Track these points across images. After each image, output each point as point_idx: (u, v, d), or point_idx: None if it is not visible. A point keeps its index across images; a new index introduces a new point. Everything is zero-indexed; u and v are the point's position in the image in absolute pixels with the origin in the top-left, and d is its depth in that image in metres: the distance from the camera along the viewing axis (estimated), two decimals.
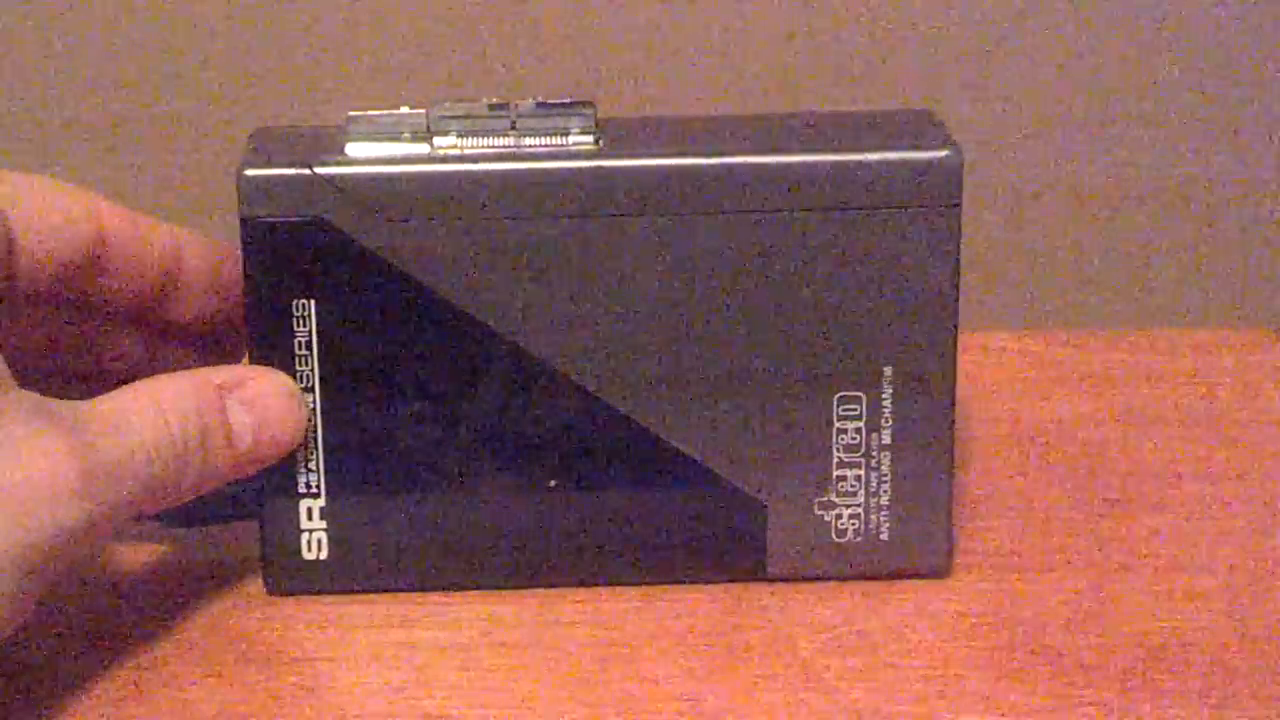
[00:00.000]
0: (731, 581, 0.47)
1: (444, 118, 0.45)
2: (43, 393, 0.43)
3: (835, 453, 0.47)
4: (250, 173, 0.45)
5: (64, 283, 0.46)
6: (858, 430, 0.46)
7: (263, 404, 0.45)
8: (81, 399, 0.43)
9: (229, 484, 0.46)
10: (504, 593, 0.47)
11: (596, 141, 0.45)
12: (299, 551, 0.47)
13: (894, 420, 0.46)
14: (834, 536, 0.47)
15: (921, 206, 0.45)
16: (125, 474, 0.42)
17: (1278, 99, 0.68)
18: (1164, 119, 0.68)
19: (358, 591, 0.47)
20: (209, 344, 0.48)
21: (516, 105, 0.45)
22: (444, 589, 0.47)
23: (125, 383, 0.44)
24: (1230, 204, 0.69)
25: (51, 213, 0.45)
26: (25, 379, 0.46)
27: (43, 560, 0.41)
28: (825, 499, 0.47)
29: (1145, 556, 0.49)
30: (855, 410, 0.46)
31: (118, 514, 0.42)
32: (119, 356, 0.48)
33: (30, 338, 0.47)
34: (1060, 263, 0.69)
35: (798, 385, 0.46)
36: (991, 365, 0.58)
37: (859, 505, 0.47)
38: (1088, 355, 0.59)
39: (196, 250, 0.47)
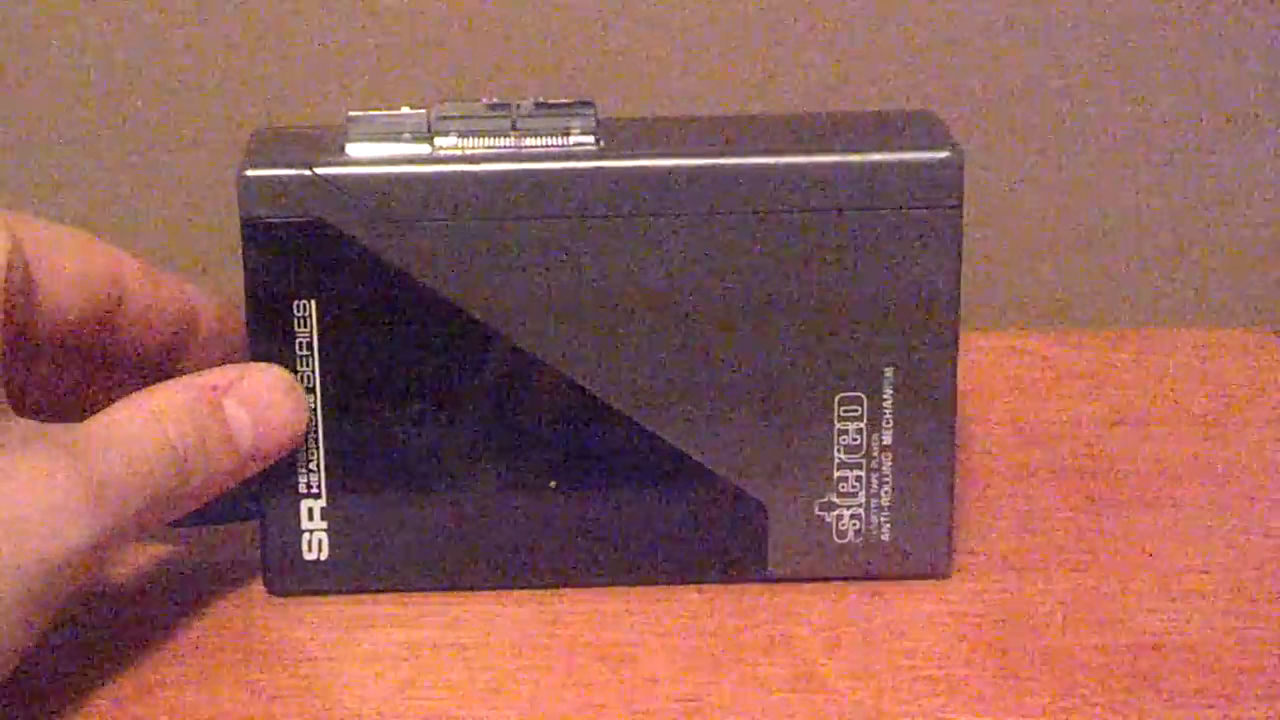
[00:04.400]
0: (732, 582, 0.47)
1: (444, 118, 0.45)
2: None
3: (836, 454, 0.47)
4: (251, 173, 0.45)
5: (81, 334, 0.46)
6: (859, 431, 0.46)
7: (260, 400, 0.45)
8: None
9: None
10: (504, 593, 0.47)
11: (597, 142, 0.45)
12: (299, 552, 0.47)
13: (895, 421, 0.46)
14: (834, 537, 0.47)
15: (923, 207, 0.45)
16: (129, 489, 0.42)
17: (1278, 99, 0.68)
18: (1164, 119, 0.68)
19: (358, 592, 0.47)
20: None
21: (517, 105, 0.45)
22: (444, 589, 0.47)
23: None
24: (1230, 204, 0.69)
25: (74, 264, 0.45)
26: None
27: (52, 583, 0.41)
28: (826, 500, 0.47)
29: (1145, 556, 0.49)
30: (856, 411, 0.46)
31: (125, 530, 0.42)
32: None
33: (45, 386, 0.47)
34: (1060, 263, 0.69)
35: (798, 386, 0.46)
36: (992, 365, 0.58)
37: (860, 506, 0.47)
38: (1088, 355, 0.59)
39: (208, 306, 0.47)
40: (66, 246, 0.45)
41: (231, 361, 0.48)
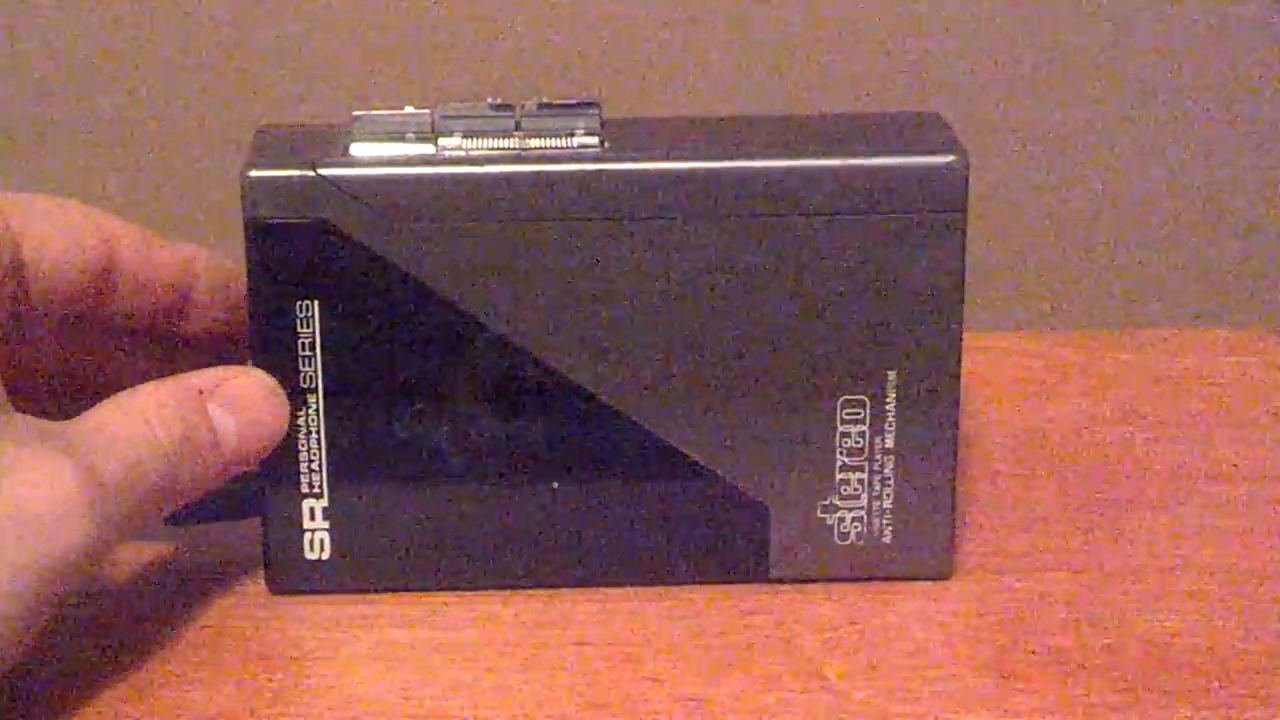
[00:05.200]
0: (733, 583, 0.47)
1: (448, 118, 0.45)
2: (54, 410, 0.43)
3: (838, 456, 0.47)
4: (254, 174, 0.45)
5: (76, 303, 0.46)
6: (861, 434, 0.46)
7: (243, 403, 0.45)
8: None
9: (229, 483, 0.46)
10: (504, 593, 0.47)
11: (601, 143, 0.45)
12: (301, 551, 0.47)
13: (897, 424, 0.46)
14: (836, 539, 0.47)
15: (927, 211, 0.45)
16: (125, 488, 0.42)
17: (1277, 99, 0.69)
18: (1164, 119, 0.68)
19: (359, 591, 0.47)
20: (218, 358, 0.48)
21: (521, 106, 0.45)
22: (444, 589, 0.47)
23: None
24: (1230, 204, 0.69)
25: (63, 235, 0.45)
26: (37, 397, 0.46)
27: (53, 582, 0.41)
28: (828, 502, 0.47)
29: (1146, 556, 0.49)
30: (859, 414, 0.46)
31: (121, 529, 0.42)
32: (130, 372, 0.48)
33: (43, 357, 0.47)
34: (1060, 263, 0.69)
35: (801, 388, 0.46)
36: (993, 366, 0.58)
37: (862, 508, 0.47)
38: (1088, 355, 0.59)
39: (206, 266, 0.47)
40: (54, 218, 0.45)
41: (232, 323, 0.48)
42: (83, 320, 0.47)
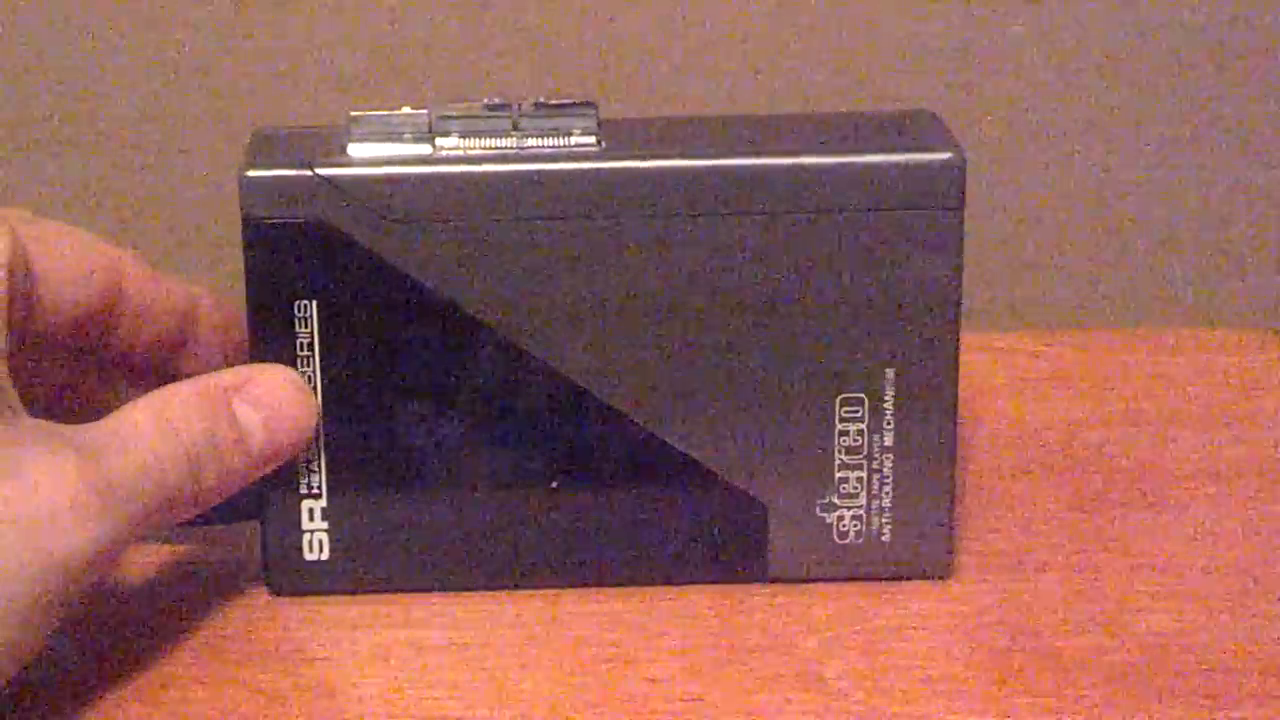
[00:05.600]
0: (732, 583, 0.47)
1: (445, 118, 0.45)
2: None
3: (837, 454, 0.47)
4: (252, 173, 0.45)
5: (80, 331, 0.46)
6: (859, 432, 0.46)
7: (270, 400, 0.45)
8: None
9: None
10: (504, 593, 0.47)
11: (598, 142, 0.45)
12: (300, 552, 0.47)
13: (896, 422, 0.46)
14: (835, 538, 0.47)
15: (924, 208, 0.45)
16: (139, 490, 0.42)
17: (1277, 99, 0.68)
18: (1163, 119, 0.68)
19: (359, 592, 0.47)
20: None
21: (518, 106, 0.45)
22: (444, 589, 0.47)
23: None
24: (1230, 204, 0.69)
25: (74, 262, 0.45)
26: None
27: (62, 583, 0.41)
28: (827, 501, 0.47)
29: (1145, 556, 0.49)
30: (857, 412, 0.46)
31: (135, 530, 0.42)
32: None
33: (43, 382, 0.47)
34: (1060, 263, 0.69)
35: (799, 387, 0.46)
36: (992, 366, 0.58)
37: (860, 507, 0.47)
38: (1088, 355, 0.59)
39: (209, 306, 0.48)
40: (66, 243, 0.45)
41: (233, 360, 0.48)
42: (86, 349, 0.47)
